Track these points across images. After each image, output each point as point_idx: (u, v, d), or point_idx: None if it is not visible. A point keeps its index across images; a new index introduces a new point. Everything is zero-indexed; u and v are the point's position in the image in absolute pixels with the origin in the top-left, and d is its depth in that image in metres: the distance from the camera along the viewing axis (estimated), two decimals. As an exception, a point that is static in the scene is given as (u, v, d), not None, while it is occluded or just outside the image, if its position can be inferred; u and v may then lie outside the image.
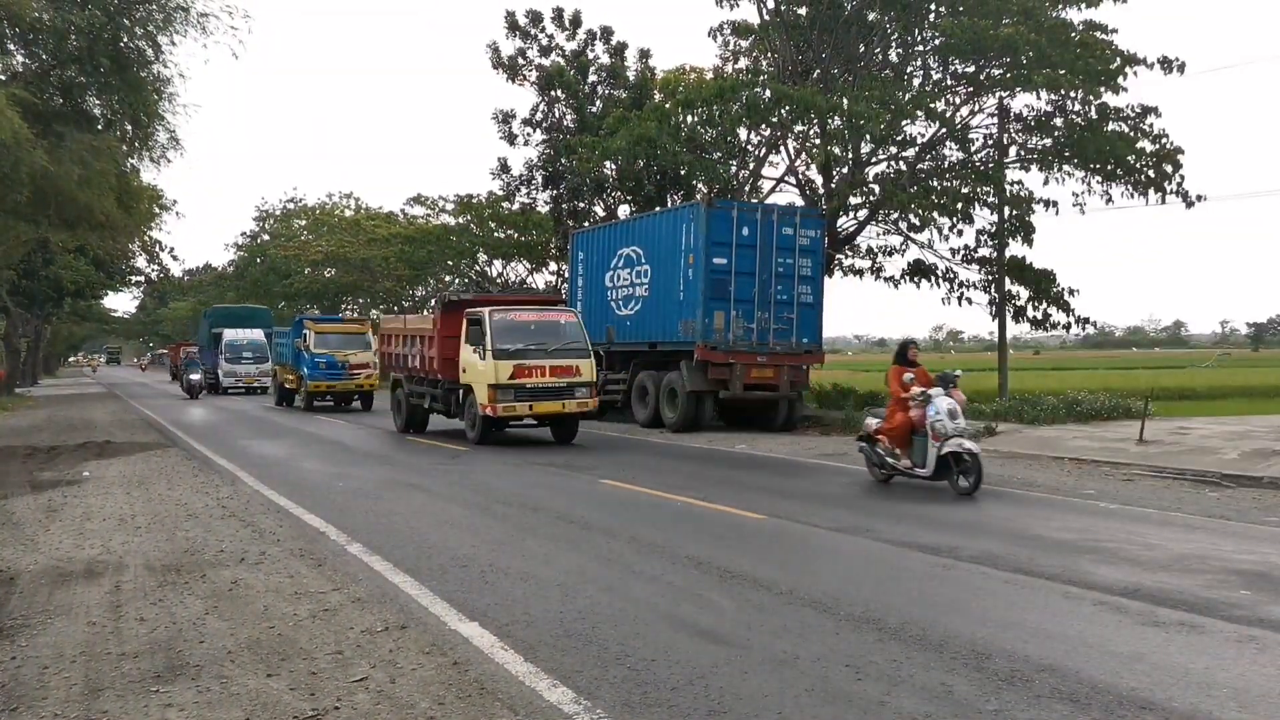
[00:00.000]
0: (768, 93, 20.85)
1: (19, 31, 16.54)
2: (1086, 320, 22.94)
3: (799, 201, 24.39)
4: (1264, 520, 8.98)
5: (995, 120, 21.95)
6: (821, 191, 23.53)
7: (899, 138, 21.45)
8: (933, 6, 21.20)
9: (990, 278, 22.70)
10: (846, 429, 18.21)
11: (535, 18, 29.53)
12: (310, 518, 9.07)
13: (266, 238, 56.12)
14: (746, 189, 25.15)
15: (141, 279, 51.45)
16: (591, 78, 29.68)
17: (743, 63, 26.22)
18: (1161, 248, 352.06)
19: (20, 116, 14.46)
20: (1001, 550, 7.45)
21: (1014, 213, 21.91)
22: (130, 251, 38.13)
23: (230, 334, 39.16)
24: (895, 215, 22.99)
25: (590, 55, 29.81)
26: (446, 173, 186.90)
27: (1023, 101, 21.84)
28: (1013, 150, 22.37)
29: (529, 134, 30.12)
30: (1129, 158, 20.68)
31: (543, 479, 12.03)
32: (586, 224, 27.27)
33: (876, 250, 24.47)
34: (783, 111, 20.83)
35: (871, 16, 21.70)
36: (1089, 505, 9.82)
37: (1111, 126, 20.75)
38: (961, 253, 23.10)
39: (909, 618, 5.53)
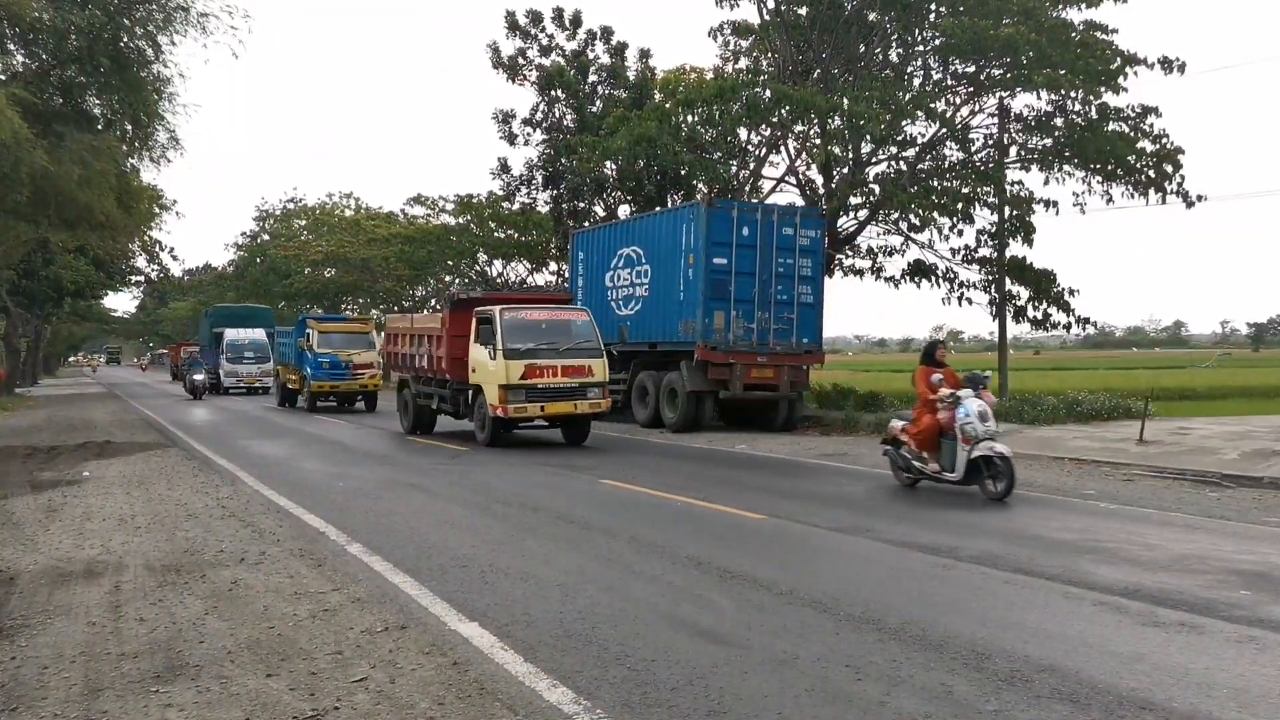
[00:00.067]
0: (768, 93, 20.84)
1: (19, 31, 16.53)
2: (1087, 320, 22.93)
3: (799, 201, 24.41)
4: (1264, 520, 8.98)
5: (995, 120, 21.96)
6: (822, 191, 23.52)
7: (899, 138, 21.42)
8: (933, 6, 21.19)
9: (990, 278, 22.68)
10: (846, 429, 18.24)
11: (535, 18, 29.52)
12: (310, 518, 9.07)
13: (266, 238, 56.04)
14: (747, 189, 25.13)
15: (141, 279, 51.54)
16: (591, 78, 29.66)
17: (743, 63, 26.22)
18: (1161, 248, 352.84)
19: (20, 116, 14.45)
20: (1001, 550, 7.45)
21: (1014, 213, 21.90)
22: (130, 251, 38.08)
23: (232, 334, 38.98)
24: (895, 215, 22.96)
25: (590, 55, 29.80)
26: (446, 173, 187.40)
27: (1023, 101, 21.88)
28: (1013, 150, 22.37)
29: (529, 134, 30.13)
30: (1129, 158, 20.68)
31: (543, 479, 12.03)
32: (586, 224, 27.24)
33: (876, 250, 24.47)
34: (783, 111, 20.82)
35: (872, 16, 21.69)
36: (1089, 505, 9.82)
37: (1112, 126, 20.73)
38: (962, 253, 23.10)
39: (909, 618, 5.53)
